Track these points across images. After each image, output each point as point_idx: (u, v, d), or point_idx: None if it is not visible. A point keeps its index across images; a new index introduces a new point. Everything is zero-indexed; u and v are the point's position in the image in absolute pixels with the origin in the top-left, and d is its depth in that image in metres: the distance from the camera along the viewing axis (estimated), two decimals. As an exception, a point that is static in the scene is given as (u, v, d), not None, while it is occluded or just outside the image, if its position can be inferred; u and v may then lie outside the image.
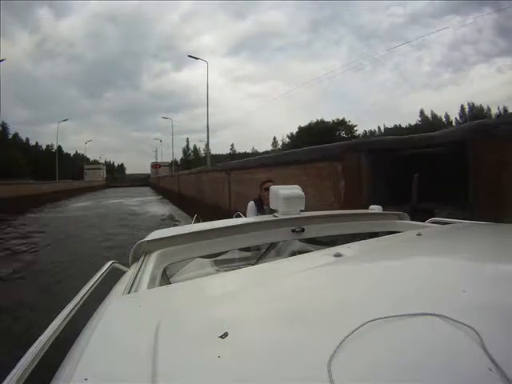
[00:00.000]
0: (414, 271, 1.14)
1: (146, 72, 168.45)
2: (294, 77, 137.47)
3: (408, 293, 0.94)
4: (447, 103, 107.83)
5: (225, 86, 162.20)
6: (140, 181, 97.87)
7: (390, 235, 2.20)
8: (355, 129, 61.31)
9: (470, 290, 0.90)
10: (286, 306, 0.90)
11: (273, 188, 2.45)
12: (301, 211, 2.39)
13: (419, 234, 1.67)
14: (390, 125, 72.09)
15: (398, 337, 0.70)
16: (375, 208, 2.90)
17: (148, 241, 1.83)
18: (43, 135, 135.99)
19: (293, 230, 2.29)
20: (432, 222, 2.40)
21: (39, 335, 0.90)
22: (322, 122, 59.83)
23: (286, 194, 2.34)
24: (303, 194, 2.39)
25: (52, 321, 0.98)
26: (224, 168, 15.07)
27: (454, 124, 56.69)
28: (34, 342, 0.86)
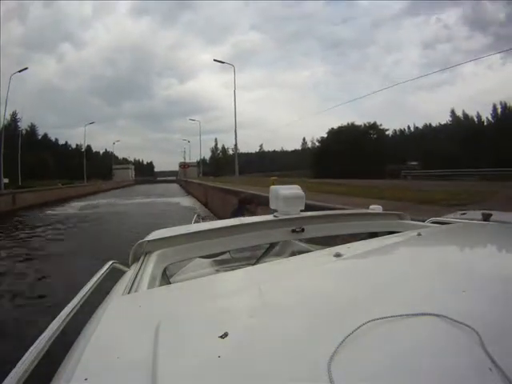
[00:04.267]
0: (414, 271, 1.14)
1: (156, 85, 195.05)
2: (284, 84, 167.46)
3: (408, 293, 0.94)
4: (452, 101, 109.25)
5: (226, 94, 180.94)
6: (168, 181, 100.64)
7: (390, 235, 2.19)
8: (387, 132, 60.57)
9: (470, 290, 0.90)
10: (285, 306, 0.90)
11: (273, 188, 2.44)
12: (301, 211, 2.37)
13: (419, 234, 1.66)
14: (416, 124, 70.57)
15: (397, 337, 0.70)
16: (375, 208, 2.90)
17: (148, 241, 1.82)
18: (72, 137, 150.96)
19: (293, 230, 2.28)
20: (432, 222, 2.39)
21: (39, 335, 0.90)
22: (353, 125, 58.94)
23: (286, 193, 2.33)
24: (303, 193, 2.38)
25: (52, 321, 0.98)
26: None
27: (485, 124, 54.83)
28: (34, 341, 0.87)
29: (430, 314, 0.73)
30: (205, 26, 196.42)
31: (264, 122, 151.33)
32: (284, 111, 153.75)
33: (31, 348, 0.84)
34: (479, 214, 2.15)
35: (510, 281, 1.00)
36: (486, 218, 2.02)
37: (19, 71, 37.71)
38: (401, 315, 0.73)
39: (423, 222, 2.46)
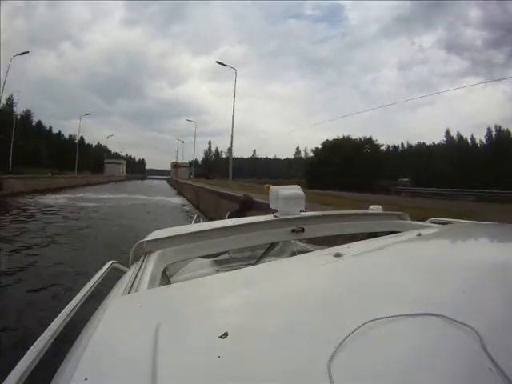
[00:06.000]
0: (414, 271, 1.14)
1: (148, 87, 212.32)
2: (269, 95, 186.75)
3: (408, 293, 0.94)
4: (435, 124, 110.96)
5: (213, 101, 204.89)
6: (160, 180, 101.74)
7: (390, 235, 2.20)
8: (381, 148, 61.17)
9: (470, 290, 0.91)
10: (285, 306, 0.90)
11: (273, 188, 2.43)
12: (301, 211, 2.37)
13: (419, 234, 1.66)
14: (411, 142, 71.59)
15: (397, 337, 0.70)
16: (375, 208, 2.89)
17: (148, 241, 1.82)
18: (67, 128, 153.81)
19: (293, 230, 2.28)
20: (432, 222, 2.40)
21: (39, 335, 0.90)
22: (349, 138, 59.56)
23: (285, 194, 2.32)
24: (303, 193, 2.38)
25: (52, 321, 0.98)
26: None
27: (479, 146, 55.59)
28: (34, 341, 0.86)
29: (430, 314, 0.73)
30: (194, 37, 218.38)
31: (250, 129, 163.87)
32: (270, 121, 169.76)
33: (31, 348, 0.84)
34: None
35: (509, 281, 1.00)
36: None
37: (20, 54, 38.72)
38: (401, 315, 0.73)
39: (423, 222, 2.47)
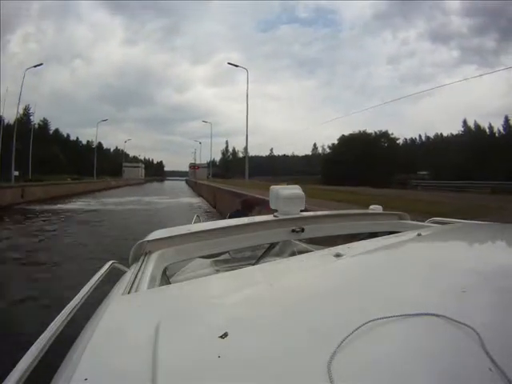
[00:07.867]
0: (414, 271, 1.14)
1: (157, 95, 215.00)
2: (271, 95, 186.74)
3: (408, 293, 0.94)
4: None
5: (225, 103, 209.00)
6: (179, 181, 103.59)
7: (390, 235, 2.19)
8: (398, 141, 60.71)
9: (470, 290, 0.90)
10: (285, 306, 0.90)
11: (273, 188, 2.43)
12: (301, 211, 2.38)
13: (419, 234, 1.66)
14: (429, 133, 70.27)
15: (397, 337, 0.70)
16: (375, 208, 2.89)
17: (148, 241, 1.82)
18: (84, 135, 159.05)
19: (293, 230, 2.28)
20: (432, 222, 2.39)
21: (39, 335, 0.89)
22: (365, 133, 59.50)
23: (286, 193, 2.33)
24: (303, 194, 2.38)
25: (52, 321, 0.98)
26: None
27: (497, 135, 53.97)
28: (34, 342, 0.86)
29: (430, 314, 0.73)
30: (194, 48, 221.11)
31: (264, 128, 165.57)
32: (281, 119, 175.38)
33: (31, 348, 0.84)
34: None
35: (509, 280, 1.00)
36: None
37: (34, 66, 38.37)
38: (401, 315, 0.73)
39: (423, 222, 2.47)
